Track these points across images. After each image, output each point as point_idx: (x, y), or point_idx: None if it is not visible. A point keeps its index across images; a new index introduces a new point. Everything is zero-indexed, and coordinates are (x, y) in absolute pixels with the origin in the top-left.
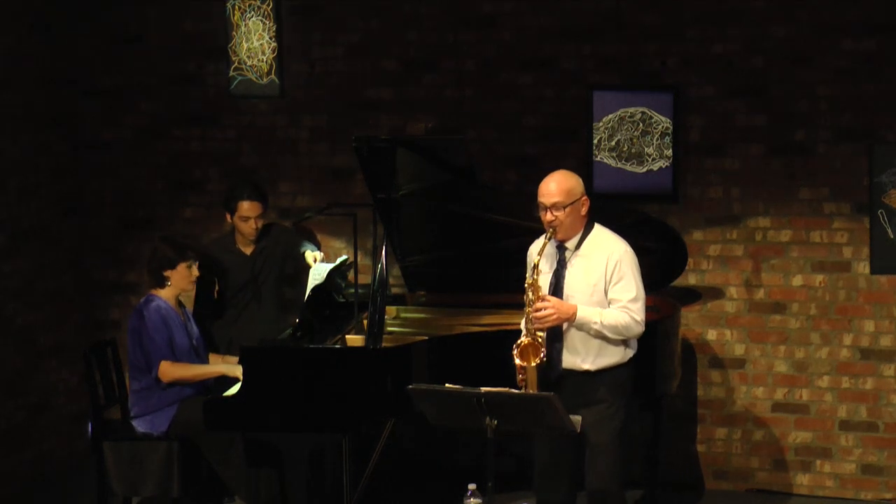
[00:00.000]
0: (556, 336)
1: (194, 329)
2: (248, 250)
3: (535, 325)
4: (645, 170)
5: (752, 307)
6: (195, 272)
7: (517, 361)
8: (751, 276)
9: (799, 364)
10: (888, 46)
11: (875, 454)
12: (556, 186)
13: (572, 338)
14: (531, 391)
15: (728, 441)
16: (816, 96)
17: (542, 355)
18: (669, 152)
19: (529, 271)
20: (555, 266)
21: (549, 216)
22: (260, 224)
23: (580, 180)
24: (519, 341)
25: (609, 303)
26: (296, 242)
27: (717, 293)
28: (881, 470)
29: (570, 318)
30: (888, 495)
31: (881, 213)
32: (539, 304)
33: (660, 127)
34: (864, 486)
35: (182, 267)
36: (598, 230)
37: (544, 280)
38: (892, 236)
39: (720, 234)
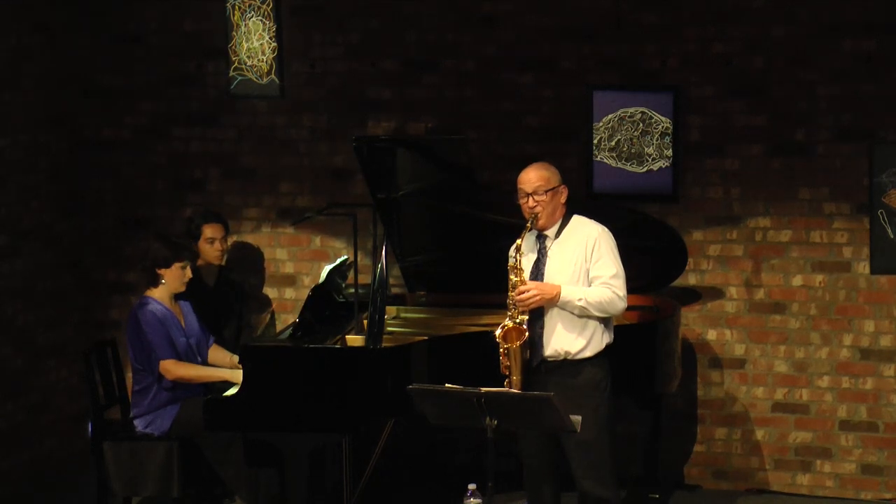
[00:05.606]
0: (537, 319)
1: (193, 327)
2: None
3: (519, 308)
4: (645, 170)
5: (752, 307)
6: (188, 274)
7: (500, 343)
8: (751, 276)
9: (799, 364)
10: (888, 46)
11: (875, 454)
12: (535, 173)
13: (553, 320)
14: (515, 377)
15: (728, 441)
16: (816, 96)
17: (525, 336)
18: (669, 152)
19: (512, 252)
20: (535, 256)
21: (530, 202)
22: (224, 247)
23: (557, 171)
24: (503, 324)
25: (591, 281)
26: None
27: (717, 293)
28: (881, 470)
29: (554, 298)
30: (888, 495)
31: (881, 213)
32: (521, 287)
33: (660, 127)
34: (864, 486)
35: (176, 267)
36: (577, 219)
37: (525, 267)
38: (892, 236)
39: (720, 234)
